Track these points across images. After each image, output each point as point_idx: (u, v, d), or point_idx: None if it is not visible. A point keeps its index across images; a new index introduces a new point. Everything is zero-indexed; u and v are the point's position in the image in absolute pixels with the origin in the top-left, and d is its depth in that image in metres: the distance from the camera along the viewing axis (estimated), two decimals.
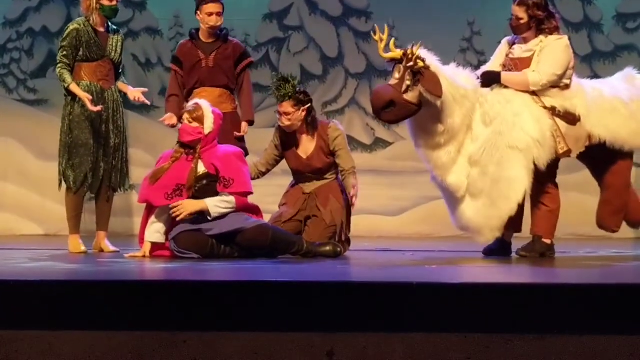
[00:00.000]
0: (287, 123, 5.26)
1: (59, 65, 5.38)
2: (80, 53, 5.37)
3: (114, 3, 5.40)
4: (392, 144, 7.62)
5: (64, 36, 5.40)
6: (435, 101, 4.83)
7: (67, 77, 5.33)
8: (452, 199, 5.10)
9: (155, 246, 5.04)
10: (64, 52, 5.36)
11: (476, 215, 5.00)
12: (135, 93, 5.51)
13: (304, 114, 5.26)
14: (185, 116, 5.05)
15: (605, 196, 5.23)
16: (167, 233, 5.04)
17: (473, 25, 7.59)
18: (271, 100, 7.77)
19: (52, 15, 7.62)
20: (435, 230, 7.21)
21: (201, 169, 5.00)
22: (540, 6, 5.04)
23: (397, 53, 4.83)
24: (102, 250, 5.41)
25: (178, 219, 4.93)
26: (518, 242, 5.22)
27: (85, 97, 5.26)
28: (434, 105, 4.85)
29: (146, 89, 5.65)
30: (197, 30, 5.62)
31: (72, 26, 5.40)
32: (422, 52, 4.84)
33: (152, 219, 5.04)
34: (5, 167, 7.48)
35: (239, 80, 5.62)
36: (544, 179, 5.06)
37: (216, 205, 4.94)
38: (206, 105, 5.10)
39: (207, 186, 4.97)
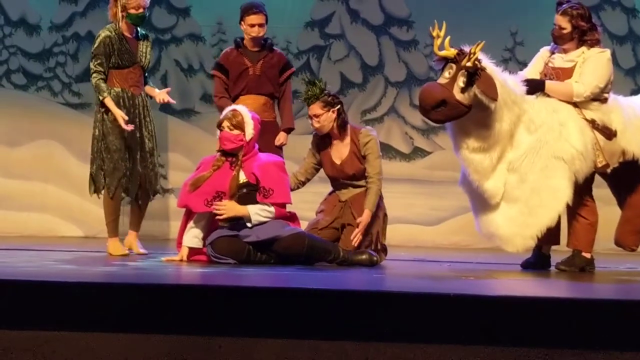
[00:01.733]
0: (317, 125, 5.28)
1: (94, 75, 5.41)
2: (112, 60, 5.41)
3: (141, 11, 5.41)
4: (430, 153, 7.58)
5: (96, 44, 5.42)
6: (490, 104, 4.74)
7: (103, 88, 5.38)
8: (481, 205, 5.01)
9: (192, 251, 5.07)
10: (98, 61, 5.39)
11: (509, 223, 4.92)
12: (161, 95, 5.56)
13: (334, 115, 5.26)
14: (225, 124, 5.05)
15: (626, 214, 5.16)
16: (204, 238, 5.07)
17: (515, 35, 7.54)
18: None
19: (97, 20, 7.70)
20: (473, 241, 7.15)
21: (242, 177, 5.01)
22: (583, 17, 4.99)
23: (452, 52, 4.73)
24: (131, 249, 5.47)
25: (219, 218, 4.93)
26: (556, 255, 5.15)
27: (120, 115, 5.31)
28: (485, 108, 4.76)
29: (169, 88, 5.70)
30: (242, 38, 5.71)
31: (102, 34, 5.42)
32: (479, 53, 4.74)
33: (191, 224, 5.07)
34: (48, 169, 7.58)
35: (281, 89, 5.72)
36: (582, 192, 5.01)
37: (257, 212, 4.95)
38: (245, 111, 5.12)
39: (247, 195, 4.97)
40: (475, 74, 4.70)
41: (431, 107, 4.70)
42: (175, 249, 5.23)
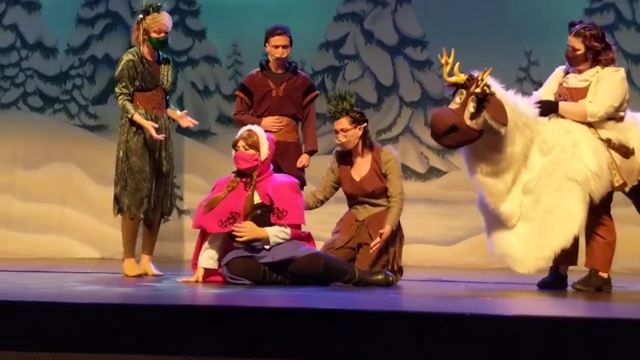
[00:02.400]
0: (344, 140, 5.28)
1: (120, 97, 5.48)
2: (136, 83, 5.48)
3: (162, 35, 5.48)
4: (446, 173, 7.57)
5: (119, 68, 5.49)
6: (500, 129, 4.75)
7: (130, 107, 5.45)
8: (496, 226, 5.00)
9: (207, 272, 5.07)
10: (123, 84, 5.47)
11: (522, 244, 4.91)
12: (185, 121, 5.63)
13: (360, 132, 5.28)
14: (241, 143, 5.07)
15: None
16: (219, 259, 5.08)
17: (530, 54, 7.54)
18: (327, 127, 7.80)
19: (114, 43, 7.79)
20: (489, 261, 7.11)
21: (256, 198, 5.01)
22: (597, 37, 4.99)
23: (462, 77, 4.76)
24: (146, 274, 5.51)
25: (238, 240, 4.93)
26: (573, 275, 5.12)
27: (150, 125, 5.38)
28: (496, 132, 4.78)
29: (186, 111, 5.74)
30: (267, 61, 5.78)
31: (126, 57, 5.50)
32: (488, 79, 4.77)
33: (206, 245, 5.08)
34: (65, 191, 7.62)
35: (304, 111, 5.76)
36: (600, 211, 4.98)
37: (275, 234, 4.96)
38: (260, 131, 5.14)
39: (261, 216, 4.98)
40: (484, 100, 4.72)
41: (442, 132, 4.74)
42: (191, 270, 5.23)
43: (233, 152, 5.14)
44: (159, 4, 5.49)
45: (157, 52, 5.59)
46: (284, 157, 5.61)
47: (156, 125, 5.40)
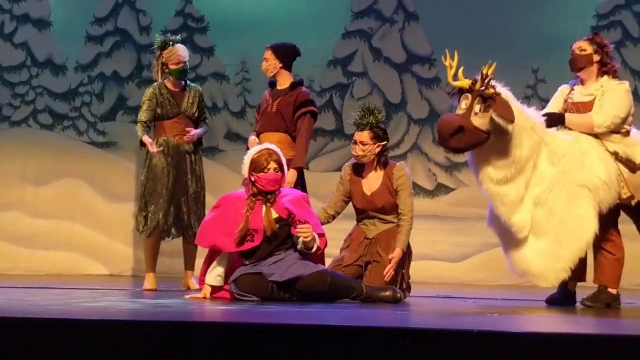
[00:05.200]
0: (361, 153, 5.28)
1: (137, 125, 5.94)
2: (158, 112, 5.91)
3: (180, 66, 5.88)
4: (454, 190, 7.57)
5: (144, 99, 5.96)
6: (507, 126, 4.70)
7: (139, 131, 5.89)
8: (512, 242, 4.94)
9: (215, 288, 5.08)
10: (141, 112, 5.95)
11: (540, 258, 4.85)
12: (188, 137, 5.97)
13: (378, 149, 5.28)
14: (272, 165, 4.97)
15: None
16: (227, 276, 5.08)
17: (537, 72, 7.56)
18: (335, 144, 7.82)
19: (123, 61, 7.84)
20: (498, 277, 7.11)
21: (273, 213, 4.99)
22: (604, 43, 5.04)
23: (466, 82, 4.73)
24: (189, 288, 5.87)
25: (304, 240, 4.89)
26: (582, 291, 5.10)
27: (149, 142, 5.81)
28: (503, 134, 4.73)
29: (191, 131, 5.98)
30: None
31: (149, 91, 5.97)
32: (493, 82, 4.74)
33: (215, 264, 5.08)
34: (74, 207, 7.66)
35: (297, 126, 5.73)
36: (608, 226, 4.97)
37: (317, 238, 4.99)
38: (276, 148, 5.14)
39: (280, 229, 4.97)
40: (490, 99, 4.69)
41: (449, 134, 4.66)
42: (199, 286, 5.24)
43: (254, 173, 4.99)
44: (172, 39, 5.90)
45: (182, 81, 5.94)
46: None
47: (151, 141, 5.80)
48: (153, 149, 5.80)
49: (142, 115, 5.93)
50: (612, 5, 7.62)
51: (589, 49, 5.01)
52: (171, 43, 5.88)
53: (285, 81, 5.80)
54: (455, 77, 4.77)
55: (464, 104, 4.74)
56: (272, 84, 5.86)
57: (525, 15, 7.61)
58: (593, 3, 7.63)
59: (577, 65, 5.06)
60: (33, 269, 7.50)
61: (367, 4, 7.79)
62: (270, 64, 5.78)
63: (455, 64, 4.77)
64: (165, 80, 5.93)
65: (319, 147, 7.78)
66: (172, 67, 5.87)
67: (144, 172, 5.95)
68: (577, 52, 5.04)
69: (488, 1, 7.67)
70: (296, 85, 5.82)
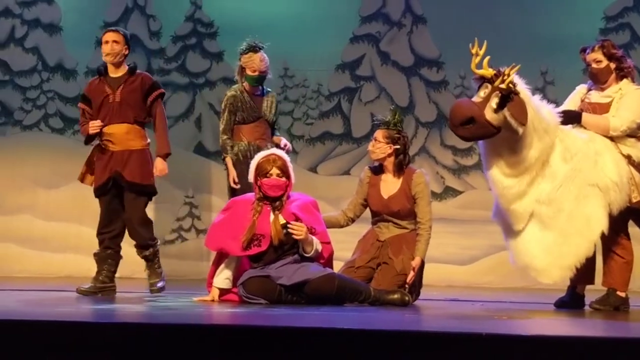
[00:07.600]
0: (371, 148, 5.35)
1: (221, 134, 5.95)
2: (238, 116, 5.91)
3: (256, 74, 5.91)
4: (462, 192, 7.57)
5: (223, 104, 5.97)
6: (518, 128, 4.69)
7: (227, 150, 5.92)
8: (514, 235, 4.91)
9: (222, 291, 5.10)
10: (223, 119, 5.95)
11: (545, 254, 4.83)
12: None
13: (389, 151, 5.30)
14: (275, 171, 4.97)
15: None
16: (235, 279, 5.09)
17: (546, 74, 7.56)
18: (343, 147, 7.84)
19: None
20: (506, 280, 7.11)
21: (281, 218, 4.99)
22: (614, 46, 5.03)
23: (489, 72, 4.71)
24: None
25: (296, 237, 4.90)
26: (590, 294, 5.10)
27: (232, 176, 5.85)
28: (514, 132, 4.72)
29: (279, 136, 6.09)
30: (105, 65, 5.59)
31: (229, 93, 5.99)
32: (515, 78, 4.72)
33: (222, 266, 5.10)
34: (82, 211, 7.68)
35: (151, 113, 5.54)
36: (618, 229, 4.96)
37: (317, 242, 4.98)
38: (282, 153, 5.14)
39: (287, 235, 4.97)
40: (508, 97, 4.68)
41: (459, 123, 4.66)
42: (206, 289, 5.25)
43: (251, 175, 5.04)
44: (254, 45, 5.92)
45: (259, 86, 5.99)
46: (126, 167, 5.41)
47: (236, 180, 5.83)
48: (236, 185, 5.80)
49: (225, 123, 5.90)
50: (620, 7, 7.62)
51: (603, 59, 5.00)
52: (252, 49, 5.88)
53: (121, 68, 5.53)
54: (479, 65, 4.75)
55: (482, 92, 4.73)
56: (101, 71, 5.56)
57: (533, 17, 7.61)
58: (601, 5, 7.63)
59: (599, 80, 5.05)
60: (43, 271, 7.53)
61: (374, 7, 7.81)
62: (122, 48, 5.51)
63: (482, 52, 4.76)
64: (244, 84, 5.95)
65: (327, 151, 7.79)
66: (248, 72, 5.91)
67: (230, 179, 5.87)
68: (594, 65, 5.03)
69: (495, 4, 7.67)
70: (134, 69, 5.56)
